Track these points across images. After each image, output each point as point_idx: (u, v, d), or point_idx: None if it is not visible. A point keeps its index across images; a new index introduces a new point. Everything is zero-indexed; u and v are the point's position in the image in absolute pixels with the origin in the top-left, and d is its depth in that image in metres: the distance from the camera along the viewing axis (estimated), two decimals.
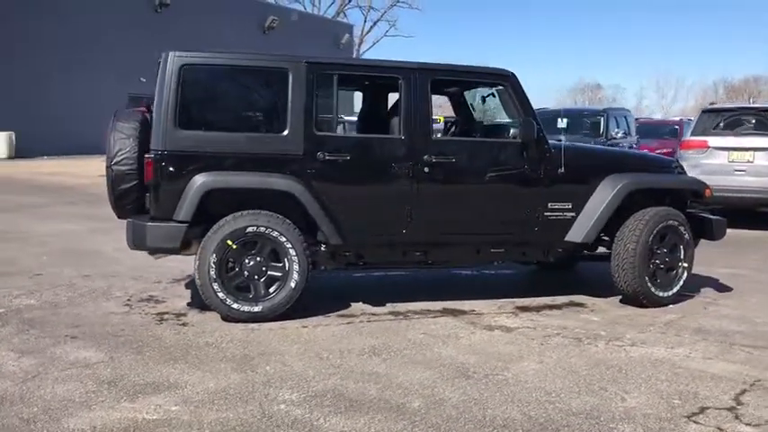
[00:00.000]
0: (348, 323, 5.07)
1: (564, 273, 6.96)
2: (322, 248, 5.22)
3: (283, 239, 4.94)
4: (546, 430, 3.35)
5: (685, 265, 5.69)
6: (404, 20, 58.58)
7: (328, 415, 3.45)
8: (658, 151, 13.84)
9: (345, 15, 54.18)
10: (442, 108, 13.07)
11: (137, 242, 4.98)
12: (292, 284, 4.99)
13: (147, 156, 4.90)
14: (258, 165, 4.98)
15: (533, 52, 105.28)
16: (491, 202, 5.41)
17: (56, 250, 7.66)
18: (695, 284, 6.33)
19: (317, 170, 5.05)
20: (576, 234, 5.51)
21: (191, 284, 5.83)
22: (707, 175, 9.64)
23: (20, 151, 22.20)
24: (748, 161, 9.69)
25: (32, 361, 4.13)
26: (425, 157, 5.20)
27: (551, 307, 5.63)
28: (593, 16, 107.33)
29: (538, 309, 5.57)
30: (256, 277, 4.98)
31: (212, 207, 4.93)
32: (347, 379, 3.94)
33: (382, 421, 3.40)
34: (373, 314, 5.31)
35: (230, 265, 4.96)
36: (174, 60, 4.88)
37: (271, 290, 5.00)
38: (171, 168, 4.87)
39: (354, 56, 49.39)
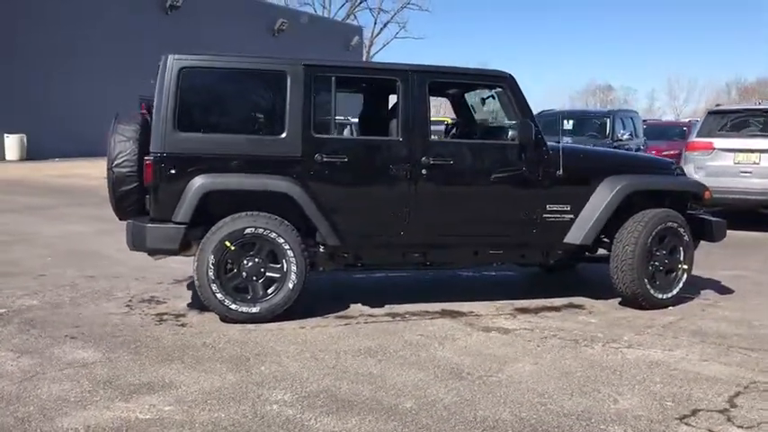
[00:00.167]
0: (345, 324, 5.09)
1: (565, 275, 6.96)
2: (320, 250, 5.25)
3: (281, 241, 4.98)
4: (536, 431, 3.35)
5: (685, 266, 5.68)
6: (414, 21, 59.04)
7: (320, 415, 3.48)
8: (666, 153, 13.80)
9: (356, 17, 54.28)
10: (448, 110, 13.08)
11: (136, 243, 5.02)
12: (290, 285, 5.02)
13: (146, 158, 4.94)
14: (257, 167, 5.01)
15: (545, 54, 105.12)
16: (489, 203, 5.42)
17: (61, 251, 7.73)
18: (696, 286, 6.32)
19: (315, 172, 5.07)
20: (575, 236, 5.51)
21: (192, 285, 5.86)
22: (712, 176, 9.66)
23: (31, 153, 22.39)
24: (754, 163, 9.64)
25: (31, 361, 4.18)
26: (423, 158, 5.22)
27: (550, 309, 5.63)
28: (606, 18, 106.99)
29: (536, 310, 5.57)
30: (255, 278, 5.01)
31: (211, 209, 4.97)
32: (341, 380, 3.96)
33: (373, 422, 3.41)
34: (371, 315, 5.33)
35: (229, 266, 5.00)
36: (173, 63, 4.93)
37: (269, 291, 5.04)
38: (170, 170, 4.91)
39: (364, 58, 49.52)
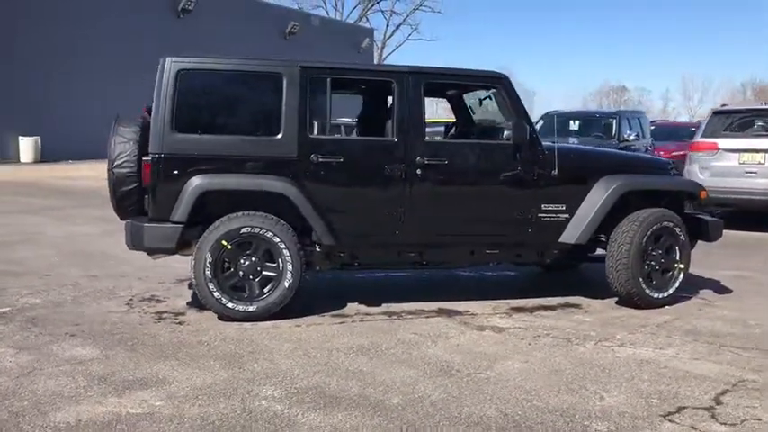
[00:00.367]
0: (341, 323, 5.15)
1: (565, 274, 6.98)
2: (316, 249, 5.31)
3: (277, 240, 5.04)
4: (519, 427, 3.39)
5: (681, 266, 5.69)
6: (426, 23, 58.94)
7: (307, 411, 3.53)
8: (675, 154, 13.76)
9: (368, 20, 54.43)
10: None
11: (135, 243, 5.11)
12: (286, 284, 5.08)
13: (144, 159, 5.03)
14: (253, 167, 5.09)
15: (558, 55, 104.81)
16: (484, 203, 5.46)
17: (67, 251, 7.85)
18: (695, 286, 6.33)
19: (311, 172, 5.14)
20: (570, 235, 5.54)
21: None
22: (717, 177, 9.67)
23: (45, 156, 22.59)
24: (759, 163, 9.61)
25: (29, 357, 4.27)
26: (418, 159, 5.27)
27: (546, 308, 5.66)
28: (620, 19, 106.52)
29: (532, 309, 5.60)
30: (251, 277, 5.08)
31: (209, 209, 5.04)
32: (331, 376, 4.02)
33: (359, 417, 3.47)
34: (367, 314, 5.38)
35: (226, 265, 5.07)
36: (170, 65, 5.01)
37: (265, 290, 5.10)
38: (168, 171, 4.99)
39: (376, 60, 49.59)
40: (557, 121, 13.46)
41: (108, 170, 5.27)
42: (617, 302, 5.76)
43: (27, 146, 22.41)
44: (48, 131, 22.53)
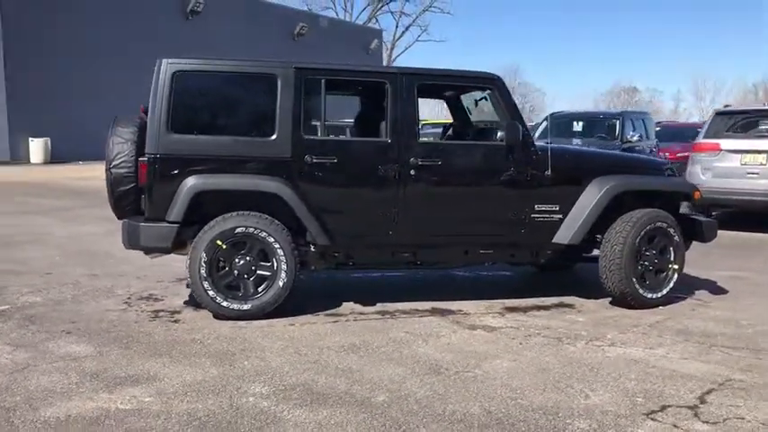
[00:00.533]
0: (334, 322, 5.19)
1: (561, 275, 7.00)
2: (311, 249, 5.36)
3: (271, 240, 5.10)
4: (502, 425, 3.43)
5: (675, 266, 5.70)
6: (435, 24, 58.94)
7: (293, 407, 3.59)
8: (680, 155, 13.74)
9: (377, 21, 54.58)
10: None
11: (131, 242, 5.18)
12: (280, 284, 5.14)
13: (140, 159, 5.10)
14: (248, 168, 5.14)
15: (569, 55, 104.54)
16: (477, 204, 5.50)
17: (70, 251, 7.94)
18: (690, 286, 6.34)
19: (305, 173, 5.19)
20: (563, 236, 5.56)
21: None
22: (719, 177, 9.66)
23: (55, 156, 22.84)
24: (761, 164, 9.58)
25: (25, 354, 4.34)
26: (411, 159, 5.32)
27: (540, 308, 5.69)
28: (631, 19, 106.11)
29: (526, 309, 5.63)
30: (246, 276, 5.14)
31: (205, 208, 5.11)
32: (320, 374, 4.07)
33: (343, 414, 3.52)
34: (361, 313, 5.43)
35: (221, 264, 5.13)
36: (166, 67, 5.08)
37: (260, 289, 5.16)
38: (163, 171, 5.06)
39: (385, 61, 49.67)
40: (561, 122, 13.52)
41: (106, 170, 5.35)
42: (611, 303, 5.78)
43: (37, 147, 22.64)
44: (57, 132, 22.75)
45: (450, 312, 5.50)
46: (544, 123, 14.11)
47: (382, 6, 54.76)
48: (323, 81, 5.30)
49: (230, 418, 3.44)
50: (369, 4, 54.62)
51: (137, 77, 24.48)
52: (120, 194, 5.34)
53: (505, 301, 5.87)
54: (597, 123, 13.11)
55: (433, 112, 34.14)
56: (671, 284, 5.71)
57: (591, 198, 5.55)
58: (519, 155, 5.48)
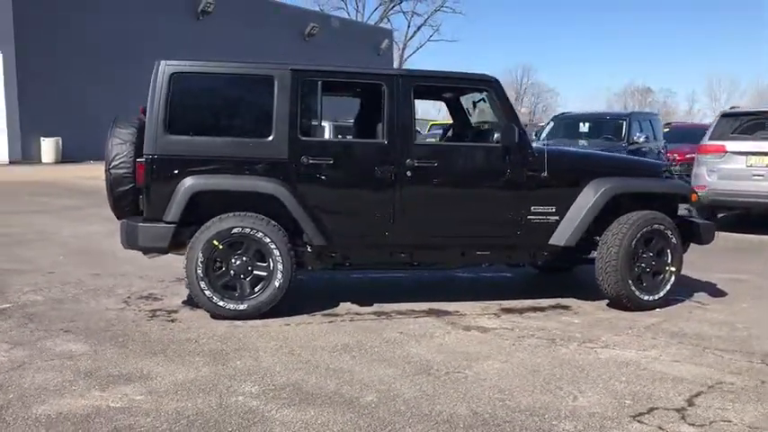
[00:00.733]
0: (330, 322, 5.23)
1: (561, 276, 7.01)
2: (308, 249, 5.40)
3: (267, 240, 5.14)
4: (487, 425, 3.45)
5: (673, 269, 5.69)
6: (447, 24, 58.95)
7: (281, 407, 3.62)
8: (689, 156, 13.65)
9: (389, 21, 54.61)
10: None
11: (129, 242, 5.24)
12: (276, 284, 5.18)
13: (138, 159, 5.16)
14: (244, 169, 5.19)
15: (582, 55, 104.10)
16: (473, 205, 5.52)
17: (74, 250, 8.03)
18: (689, 288, 6.33)
19: (302, 174, 5.23)
20: (560, 237, 5.57)
21: None
22: (725, 179, 9.63)
23: (66, 156, 23.00)
24: (767, 166, 9.52)
25: (22, 352, 4.40)
26: (408, 161, 5.34)
27: (536, 309, 5.70)
28: (644, 19, 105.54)
29: (522, 311, 5.64)
30: (242, 276, 5.18)
31: (202, 209, 5.15)
32: (310, 374, 4.10)
33: (330, 414, 3.55)
34: (357, 314, 5.46)
35: (218, 264, 5.18)
36: (164, 68, 5.14)
37: (256, 289, 5.20)
38: (161, 172, 5.11)
39: (397, 61, 49.68)
40: (567, 123, 13.49)
41: (105, 170, 5.41)
42: (608, 305, 5.78)
43: (48, 146, 22.82)
44: (69, 132, 22.92)
45: (447, 313, 5.52)
46: (550, 124, 14.11)
47: (394, 6, 54.81)
48: (319, 83, 5.34)
49: (218, 417, 3.48)
50: (380, 4, 54.69)
51: (148, 78, 24.71)
52: (119, 195, 5.39)
53: (502, 302, 5.89)
54: (603, 124, 13.06)
55: (441, 113, 34.15)
56: (668, 287, 5.70)
57: (587, 200, 5.55)
58: (515, 156, 5.49)
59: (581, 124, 13.05)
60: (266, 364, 4.27)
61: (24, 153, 22.66)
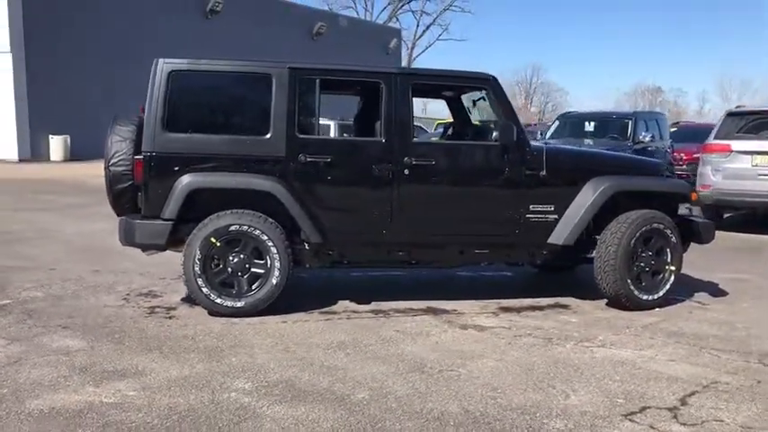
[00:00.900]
0: (327, 320, 5.23)
1: (561, 275, 6.99)
2: (306, 247, 5.40)
3: (265, 238, 5.15)
4: (477, 423, 3.45)
5: (672, 268, 5.66)
6: (456, 24, 58.86)
7: (273, 403, 3.63)
8: (696, 156, 13.57)
9: (398, 20, 54.63)
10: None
11: (127, 239, 5.27)
12: (274, 281, 5.19)
13: (136, 157, 5.18)
14: (242, 166, 5.20)
15: (592, 54, 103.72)
16: (471, 203, 5.51)
17: (77, 247, 8.08)
18: (690, 288, 6.31)
19: (299, 171, 5.24)
20: (558, 236, 5.55)
21: None
22: (730, 179, 9.57)
23: (75, 154, 23.11)
24: None
25: (19, 348, 4.43)
26: (405, 159, 5.34)
27: (535, 308, 5.69)
28: (654, 18, 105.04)
29: (520, 310, 5.63)
30: (239, 274, 5.19)
31: (200, 206, 5.17)
32: (304, 371, 4.11)
33: (321, 410, 3.55)
34: (355, 312, 5.47)
35: (215, 261, 5.19)
36: (162, 66, 5.16)
37: (253, 286, 5.21)
38: (159, 169, 5.14)
39: (406, 60, 49.67)
40: (573, 122, 13.44)
41: (105, 168, 5.44)
42: (607, 304, 5.76)
43: (57, 144, 22.95)
44: (77, 130, 23.04)
45: (445, 312, 5.51)
46: (556, 123, 14.06)
47: (403, 5, 54.82)
48: (317, 81, 5.34)
49: (209, 413, 3.49)
50: (389, 3, 54.72)
51: None
52: (118, 192, 5.42)
53: (501, 301, 5.87)
54: (609, 123, 13.00)
55: (446, 111, 34.05)
56: (667, 286, 5.67)
57: (586, 199, 5.53)
58: (513, 155, 5.48)
59: (586, 123, 13.00)
60: (261, 360, 4.27)
61: (33, 151, 22.80)
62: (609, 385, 3.98)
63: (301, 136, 5.28)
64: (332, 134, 13.07)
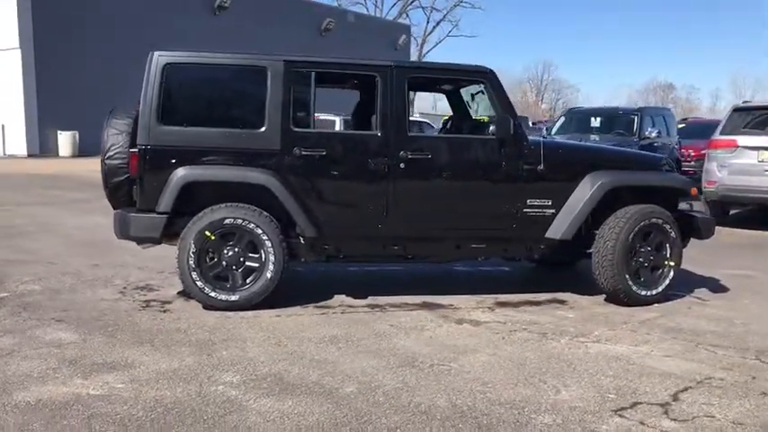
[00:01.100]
0: (322, 314, 5.21)
1: (560, 270, 6.93)
2: (301, 241, 5.38)
3: (259, 231, 5.13)
4: (464, 417, 3.41)
5: (671, 263, 5.61)
6: (466, 20, 58.72)
7: (260, 397, 3.61)
8: (704, 152, 13.46)
9: (408, 16, 54.47)
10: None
11: (122, 232, 5.26)
12: (268, 275, 5.17)
13: (131, 150, 5.17)
14: (237, 159, 5.18)
15: (604, 50, 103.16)
16: (468, 197, 5.47)
17: (78, 241, 8.09)
18: (691, 284, 6.25)
19: (294, 165, 5.21)
20: (556, 231, 5.51)
21: None
22: (735, 174, 9.48)
23: (83, 150, 23.23)
24: None
25: (11, 340, 4.43)
26: (401, 153, 5.30)
27: (532, 303, 5.64)
28: (667, 15, 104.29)
29: (517, 305, 5.59)
30: (234, 267, 5.18)
31: (195, 199, 5.16)
32: (294, 364, 4.09)
33: (309, 404, 3.53)
34: (350, 306, 5.44)
35: (210, 255, 5.18)
36: (157, 59, 5.15)
37: (248, 280, 5.20)
38: (154, 162, 5.12)
39: (416, 56, 49.56)
40: (579, 118, 13.36)
41: (101, 161, 5.43)
42: (605, 300, 5.71)
43: (65, 140, 23.06)
44: (86, 126, 23.12)
45: (440, 306, 5.48)
46: (562, 119, 13.98)
47: (413, 2, 54.67)
48: (312, 74, 5.31)
49: (195, 406, 3.48)
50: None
51: None
52: (114, 185, 5.42)
53: (499, 296, 5.84)
54: (615, 119, 12.90)
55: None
56: (667, 282, 5.61)
57: (584, 193, 5.48)
58: (510, 149, 5.43)
59: (592, 119, 12.91)
60: (252, 354, 4.26)
61: (42, 147, 22.93)
62: (601, 381, 3.93)
63: (296, 129, 5.25)
64: (337, 129, 13.02)
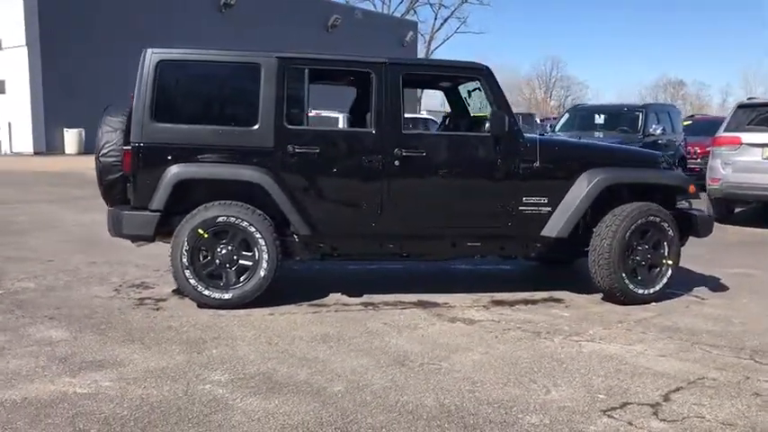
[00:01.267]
0: (315, 312, 5.19)
1: (559, 269, 6.88)
2: (295, 239, 5.36)
3: (253, 229, 5.11)
4: (450, 416, 3.38)
5: (669, 262, 5.55)
6: (474, 16, 58.50)
7: (247, 396, 3.59)
8: (710, 149, 13.36)
9: (415, 12, 54.36)
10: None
11: (115, 229, 5.26)
12: (262, 273, 5.15)
13: (125, 147, 5.16)
14: (230, 157, 5.16)
15: (614, 47, 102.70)
16: (463, 195, 5.42)
17: (77, 239, 8.10)
18: (691, 283, 6.19)
19: (287, 162, 5.19)
20: (552, 229, 5.46)
21: None
22: (740, 172, 9.40)
23: (89, 147, 23.16)
24: None
25: (2, 338, 4.43)
26: (396, 150, 5.27)
27: (527, 302, 5.60)
28: (677, 12, 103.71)
29: (513, 303, 5.55)
30: (227, 266, 5.16)
31: (189, 197, 5.14)
32: (283, 363, 4.07)
33: (295, 403, 3.51)
34: (344, 304, 5.41)
35: (203, 253, 5.16)
36: (151, 56, 5.13)
37: (241, 278, 5.18)
38: (147, 160, 5.11)
39: (424, 53, 49.46)
40: (583, 115, 13.28)
41: (95, 158, 5.42)
42: (602, 298, 5.66)
43: (71, 138, 23.14)
44: (92, 123, 23.18)
45: (435, 305, 5.44)
46: (566, 116, 13.90)
47: None
48: (306, 71, 5.28)
49: (181, 405, 3.46)
50: None
51: None
52: (108, 183, 5.41)
53: (495, 294, 5.80)
54: (619, 116, 12.81)
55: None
56: (664, 280, 5.56)
57: (580, 191, 5.43)
58: (506, 146, 5.39)
59: (596, 116, 12.84)
60: (241, 352, 4.24)
61: (48, 144, 23.01)
62: (592, 380, 3.89)
63: (290, 127, 5.22)
64: (340, 126, 12.99)
